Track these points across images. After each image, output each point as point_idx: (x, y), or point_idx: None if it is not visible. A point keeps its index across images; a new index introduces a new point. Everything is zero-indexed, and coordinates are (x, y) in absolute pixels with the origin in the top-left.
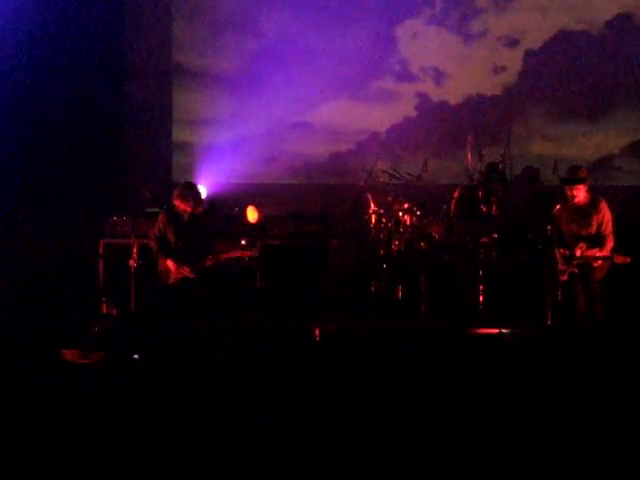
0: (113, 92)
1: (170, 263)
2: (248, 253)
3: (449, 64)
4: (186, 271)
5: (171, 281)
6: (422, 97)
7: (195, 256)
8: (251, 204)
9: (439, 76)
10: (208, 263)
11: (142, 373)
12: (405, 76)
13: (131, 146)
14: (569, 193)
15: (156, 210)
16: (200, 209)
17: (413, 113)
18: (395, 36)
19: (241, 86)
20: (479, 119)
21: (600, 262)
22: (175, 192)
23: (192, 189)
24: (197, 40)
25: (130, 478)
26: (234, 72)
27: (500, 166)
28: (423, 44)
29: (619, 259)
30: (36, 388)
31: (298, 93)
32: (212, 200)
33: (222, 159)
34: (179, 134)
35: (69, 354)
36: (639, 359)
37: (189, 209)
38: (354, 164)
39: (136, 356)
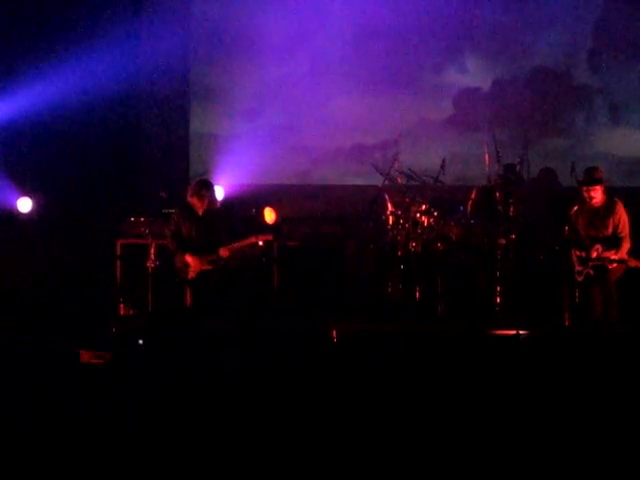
0: (131, 92)
1: (188, 257)
2: (262, 238)
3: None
4: (203, 263)
5: (190, 276)
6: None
7: (210, 251)
8: (268, 205)
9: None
10: (223, 253)
11: (157, 371)
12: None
13: (148, 148)
14: (586, 194)
15: (172, 211)
16: (215, 206)
17: (432, 112)
18: None
19: (259, 87)
20: (498, 119)
21: (615, 265)
22: (190, 189)
23: (207, 186)
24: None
25: (142, 477)
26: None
27: (517, 167)
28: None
29: (633, 263)
30: (53, 389)
31: (316, 93)
32: (229, 201)
33: (240, 160)
34: (197, 135)
35: (86, 355)
36: None
37: (205, 206)
38: (372, 165)
39: (141, 342)
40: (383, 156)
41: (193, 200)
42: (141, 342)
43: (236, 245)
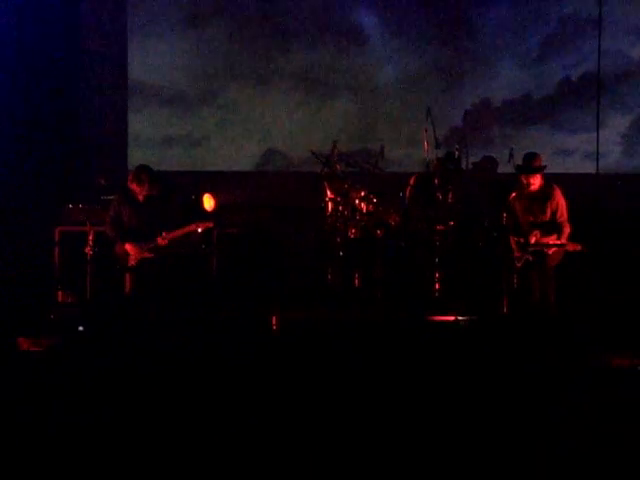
0: (69, 79)
1: (128, 246)
2: (203, 225)
3: None
4: (143, 250)
5: (130, 264)
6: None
7: (151, 236)
8: (207, 192)
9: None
10: (162, 242)
11: (97, 359)
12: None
13: (86, 133)
14: (525, 181)
15: (111, 198)
16: (155, 191)
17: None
18: None
19: (201, 72)
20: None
21: (554, 249)
22: (130, 175)
23: (147, 171)
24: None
25: (85, 467)
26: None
27: (456, 154)
28: None
29: (571, 247)
30: None
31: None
32: (167, 185)
33: (178, 146)
34: (135, 121)
35: (24, 342)
36: (593, 346)
37: (145, 191)
38: (311, 152)
39: (81, 328)
40: (322, 143)
41: (133, 185)
42: (81, 329)
43: (176, 232)
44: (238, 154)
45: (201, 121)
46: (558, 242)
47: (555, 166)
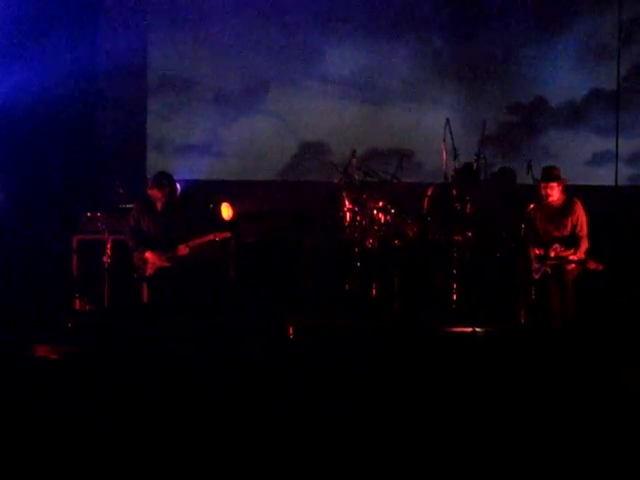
0: (87, 87)
1: (148, 254)
2: (220, 236)
3: None
4: (162, 260)
5: (147, 273)
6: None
7: (169, 244)
8: (226, 201)
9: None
10: (182, 251)
11: (115, 367)
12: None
13: (105, 142)
14: (543, 192)
15: (130, 206)
16: (175, 198)
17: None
18: None
19: (217, 83)
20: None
21: (573, 265)
22: (150, 181)
23: (167, 177)
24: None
25: (100, 475)
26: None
27: (474, 165)
28: None
29: (592, 265)
30: (7, 384)
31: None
32: (186, 194)
33: (196, 155)
34: (154, 129)
35: (41, 350)
36: (610, 358)
37: (164, 198)
38: (329, 162)
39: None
40: (341, 153)
41: (153, 191)
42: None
43: (195, 242)
44: (261, 162)
45: (224, 128)
46: (577, 257)
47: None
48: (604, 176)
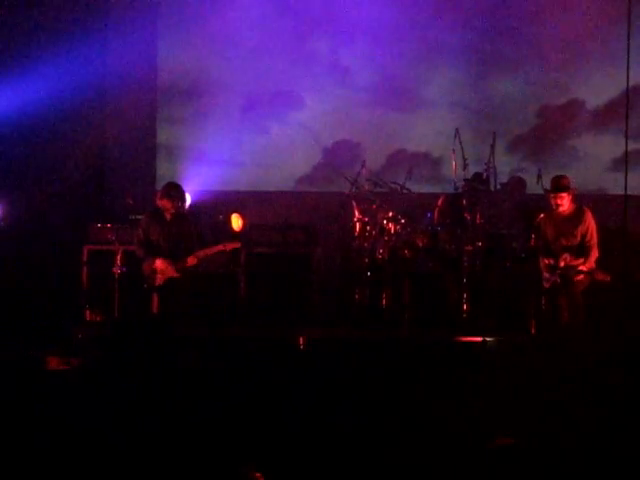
0: (96, 98)
1: (159, 262)
2: (230, 246)
3: None
4: (172, 269)
5: (157, 283)
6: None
7: (179, 255)
8: (236, 212)
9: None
10: (192, 262)
11: (124, 378)
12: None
13: (115, 153)
14: (553, 202)
15: (140, 217)
16: (184, 209)
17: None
18: None
19: (227, 94)
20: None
21: (582, 275)
22: (160, 192)
23: (177, 188)
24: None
25: None
26: (220, 81)
27: (484, 175)
28: None
29: (600, 276)
30: (19, 395)
31: (281, 100)
32: (195, 207)
33: (207, 166)
34: (164, 140)
35: (52, 361)
36: (618, 369)
37: (174, 208)
38: (339, 172)
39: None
40: (350, 163)
41: (163, 202)
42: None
43: (204, 252)
44: (275, 173)
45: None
46: (586, 268)
47: None
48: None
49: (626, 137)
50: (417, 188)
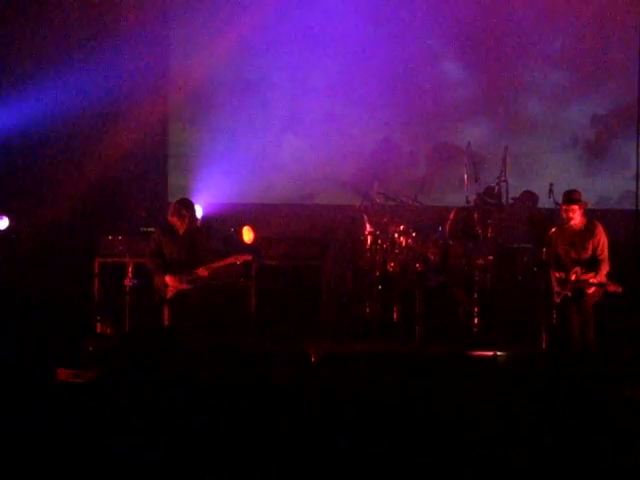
0: (109, 108)
1: (168, 278)
2: (241, 258)
3: None
4: (182, 282)
5: (168, 296)
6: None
7: (191, 268)
8: (247, 224)
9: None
10: (202, 273)
11: (137, 390)
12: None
13: (127, 165)
14: (565, 214)
15: (151, 230)
16: (195, 225)
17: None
18: None
19: (238, 107)
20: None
21: (593, 289)
22: (170, 209)
23: (187, 206)
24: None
25: None
26: (230, 94)
27: (496, 189)
28: None
29: (612, 287)
30: (30, 407)
31: (292, 112)
32: (207, 220)
33: (218, 179)
34: (175, 152)
35: (63, 373)
36: (631, 383)
37: (185, 225)
38: (350, 185)
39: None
40: (362, 176)
41: (173, 219)
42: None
43: (215, 265)
44: (286, 185)
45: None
46: (597, 281)
47: None
48: None
49: (637, 154)
50: (429, 201)
